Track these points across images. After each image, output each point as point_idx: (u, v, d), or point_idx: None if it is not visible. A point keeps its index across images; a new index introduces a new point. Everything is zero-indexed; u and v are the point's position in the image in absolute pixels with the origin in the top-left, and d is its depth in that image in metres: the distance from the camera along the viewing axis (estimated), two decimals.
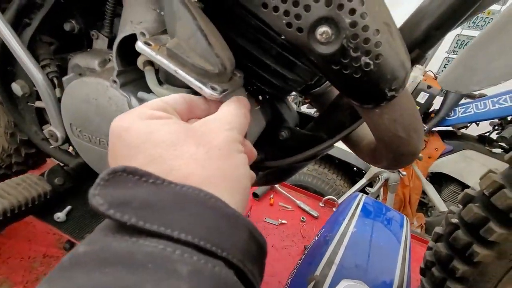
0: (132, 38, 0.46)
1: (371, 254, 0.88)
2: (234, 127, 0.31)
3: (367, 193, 1.99)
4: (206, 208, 0.23)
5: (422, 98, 2.25)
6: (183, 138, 0.27)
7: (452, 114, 2.39)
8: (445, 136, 2.49)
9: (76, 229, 0.61)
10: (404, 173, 2.17)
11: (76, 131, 0.58)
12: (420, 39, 0.44)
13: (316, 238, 1.02)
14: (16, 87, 0.64)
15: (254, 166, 0.63)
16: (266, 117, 0.60)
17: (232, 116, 0.33)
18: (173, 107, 0.31)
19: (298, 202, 1.51)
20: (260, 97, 0.56)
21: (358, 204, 1.08)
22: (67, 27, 0.62)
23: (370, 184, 2.04)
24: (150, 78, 0.45)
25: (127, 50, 0.50)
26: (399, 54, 0.36)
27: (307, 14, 0.34)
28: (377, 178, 1.82)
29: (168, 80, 0.44)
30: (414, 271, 0.92)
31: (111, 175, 0.22)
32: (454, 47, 2.93)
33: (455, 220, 0.64)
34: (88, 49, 0.68)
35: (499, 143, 2.24)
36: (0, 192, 0.54)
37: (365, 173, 2.17)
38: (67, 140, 0.64)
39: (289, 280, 0.92)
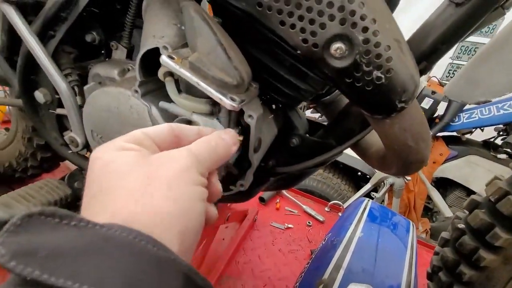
0: (153, 51, 0.49)
1: (378, 259, 0.89)
2: (197, 158, 0.28)
3: (372, 198, 2.00)
4: (132, 253, 0.19)
5: (426, 103, 2.27)
6: (135, 169, 0.25)
7: (457, 120, 2.40)
8: (450, 141, 2.49)
9: None
10: (409, 178, 2.18)
11: (97, 138, 0.61)
12: (427, 52, 0.47)
13: (323, 243, 1.04)
14: (39, 95, 0.67)
15: (265, 172, 0.66)
16: (278, 125, 0.62)
17: (199, 148, 0.29)
18: (153, 139, 0.29)
19: (304, 206, 1.52)
20: (274, 106, 0.59)
21: (365, 209, 1.10)
22: (88, 38, 0.65)
23: (375, 189, 2.05)
24: (171, 89, 0.48)
25: (148, 62, 0.52)
26: (409, 68, 0.38)
27: (322, 31, 0.37)
28: (382, 183, 1.83)
29: (188, 90, 0.47)
30: (420, 276, 0.94)
31: (25, 219, 0.19)
32: (458, 53, 2.94)
33: (461, 226, 0.65)
34: (107, 59, 0.71)
35: (504, 149, 2.25)
36: (24, 195, 0.57)
37: (370, 178, 2.18)
38: (86, 145, 0.67)
39: (297, 284, 0.93)
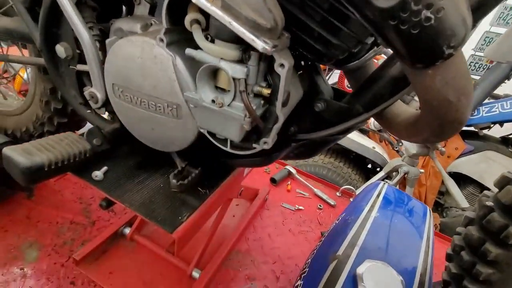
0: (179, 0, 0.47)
1: (394, 239, 0.87)
2: None
3: None
4: None
5: None
6: None
7: (475, 113, 2.32)
8: (466, 135, 2.42)
9: (113, 188, 0.63)
10: (422, 170, 2.13)
11: (118, 92, 0.60)
12: (474, 5, 0.43)
13: (336, 222, 1.02)
14: (60, 49, 0.66)
15: (287, 138, 0.64)
16: (303, 86, 0.60)
17: None
18: None
19: (315, 190, 1.50)
20: (302, 63, 0.56)
21: (380, 192, 1.07)
22: None
23: (387, 177, 2.01)
24: (198, 35, 0.46)
25: (173, 11, 0.50)
26: (461, 9, 0.35)
27: None
28: (396, 171, 1.79)
29: (217, 34, 0.45)
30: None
31: None
32: (482, 45, 2.83)
33: (489, 203, 0.62)
34: (129, 16, 0.69)
35: None
36: (45, 145, 0.57)
37: (378, 169, 2.14)
38: (106, 102, 0.66)
39: (309, 260, 0.92)
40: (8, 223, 1.01)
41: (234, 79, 0.45)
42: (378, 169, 2.26)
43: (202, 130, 0.55)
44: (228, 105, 0.47)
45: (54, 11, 0.62)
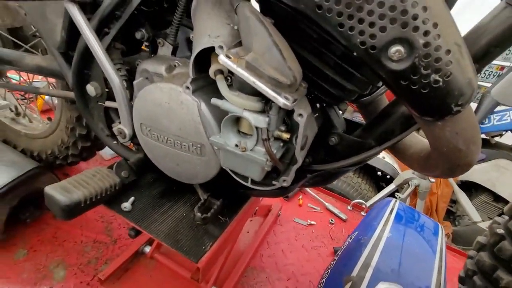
0: (204, 49, 0.52)
1: (407, 259, 0.89)
2: None
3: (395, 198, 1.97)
4: None
5: None
6: None
7: (487, 122, 2.30)
8: None
9: (140, 218, 0.67)
10: (433, 180, 2.13)
11: (146, 130, 0.64)
12: (479, 55, 0.46)
13: (349, 241, 1.05)
14: (91, 88, 0.71)
15: (303, 169, 0.67)
16: (318, 123, 0.63)
17: None
18: None
19: (326, 204, 1.53)
20: (317, 105, 0.60)
21: (392, 209, 1.09)
22: (138, 35, 0.69)
23: (397, 190, 2.01)
24: (223, 86, 0.50)
25: (198, 62, 0.55)
26: (468, 72, 0.38)
27: (382, 34, 0.37)
28: (407, 184, 1.80)
29: (240, 88, 0.49)
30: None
31: None
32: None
33: (500, 231, 0.64)
34: (153, 55, 0.74)
35: None
36: (80, 181, 0.61)
37: (390, 178, 2.14)
38: (133, 137, 0.70)
39: (323, 280, 0.95)
40: (36, 243, 1.07)
41: (256, 127, 0.49)
42: (388, 176, 2.26)
43: (224, 167, 0.59)
44: (251, 150, 0.51)
45: (86, 55, 0.67)
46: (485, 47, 0.46)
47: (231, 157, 0.54)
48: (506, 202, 2.34)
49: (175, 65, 0.67)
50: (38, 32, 0.69)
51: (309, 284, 1.15)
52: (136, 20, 0.68)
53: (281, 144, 0.53)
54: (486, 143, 2.42)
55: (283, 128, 0.52)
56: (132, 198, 0.71)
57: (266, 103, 0.48)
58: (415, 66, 0.38)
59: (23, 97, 1.48)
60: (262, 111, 0.48)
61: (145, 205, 0.71)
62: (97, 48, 0.61)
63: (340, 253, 1.02)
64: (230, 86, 0.52)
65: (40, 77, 1.26)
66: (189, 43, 0.82)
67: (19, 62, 0.83)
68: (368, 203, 1.67)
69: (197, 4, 0.61)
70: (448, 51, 0.37)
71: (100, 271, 0.99)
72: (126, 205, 0.68)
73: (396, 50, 0.38)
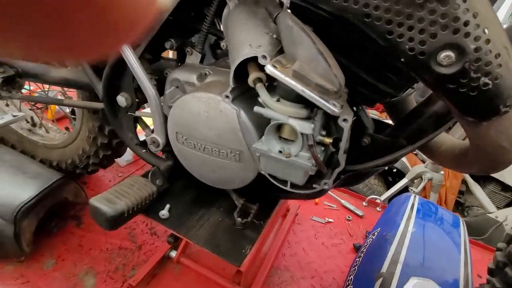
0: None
1: (433, 253, 0.91)
2: None
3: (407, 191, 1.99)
4: None
5: None
6: None
7: None
8: None
9: (178, 225, 0.68)
10: (442, 172, 2.15)
11: (182, 139, 0.65)
12: None
13: (373, 238, 1.06)
14: (121, 99, 0.72)
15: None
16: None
17: None
18: None
19: (342, 201, 1.54)
20: (354, 108, 0.61)
21: (413, 205, 1.11)
22: (167, 45, 0.70)
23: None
24: (266, 94, 0.51)
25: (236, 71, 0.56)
26: None
27: (432, 40, 0.39)
28: (420, 178, 1.81)
29: (284, 95, 0.50)
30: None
31: None
32: None
33: None
34: (180, 64, 0.75)
35: None
36: (121, 192, 0.63)
37: (395, 171, 2.16)
38: (166, 146, 0.71)
39: (351, 277, 0.96)
40: (64, 252, 1.08)
41: (302, 134, 0.50)
42: (394, 170, 2.28)
43: (263, 172, 0.61)
44: (295, 156, 0.53)
45: (118, 67, 0.68)
46: None
47: (273, 162, 0.55)
48: None
49: (205, 74, 0.68)
50: None
51: (332, 281, 1.16)
52: (164, 30, 0.69)
53: (322, 148, 0.54)
54: None
55: (323, 132, 0.53)
56: (168, 206, 0.72)
57: (312, 110, 0.49)
58: (465, 70, 0.39)
59: (35, 107, 1.48)
60: (308, 118, 0.49)
61: (181, 212, 0.72)
62: (133, 61, 0.62)
63: (365, 250, 1.04)
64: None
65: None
66: (213, 50, 0.83)
67: (44, 75, 0.84)
68: (382, 198, 1.69)
69: (229, 14, 0.62)
70: (498, 55, 0.38)
71: (129, 277, 1.01)
72: (164, 213, 0.69)
73: (446, 55, 0.39)
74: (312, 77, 0.45)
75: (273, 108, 0.50)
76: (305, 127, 0.49)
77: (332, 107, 0.44)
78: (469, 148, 0.52)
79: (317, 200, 1.55)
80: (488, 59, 0.38)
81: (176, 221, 0.70)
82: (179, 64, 0.75)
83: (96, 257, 1.09)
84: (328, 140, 0.52)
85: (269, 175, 0.61)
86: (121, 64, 0.68)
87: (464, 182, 2.42)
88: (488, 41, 0.37)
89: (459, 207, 2.74)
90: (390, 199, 1.81)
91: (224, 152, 0.61)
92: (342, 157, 0.53)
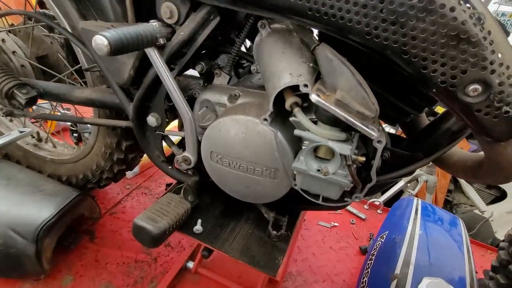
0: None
1: (440, 253, 0.98)
2: None
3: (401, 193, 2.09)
4: None
5: None
6: None
7: None
8: (469, 135, 2.58)
9: (211, 238, 0.72)
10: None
11: (216, 158, 0.69)
12: None
13: (382, 240, 1.13)
14: (152, 119, 0.75)
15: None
16: None
17: None
18: None
19: None
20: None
21: (417, 208, 1.19)
22: (198, 68, 0.73)
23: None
24: (304, 118, 0.56)
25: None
26: None
27: (463, 76, 0.45)
28: (416, 180, 1.92)
29: (325, 121, 0.55)
30: None
31: None
32: None
33: None
34: (206, 84, 0.78)
35: None
36: (161, 210, 0.65)
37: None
38: (197, 164, 0.75)
39: (365, 279, 1.02)
40: (81, 268, 1.08)
41: (340, 154, 0.55)
42: None
43: (296, 188, 0.65)
44: (333, 174, 0.57)
45: (151, 90, 0.71)
46: None
47: (310, 180, 0.60)
48: (498, 188, 2.52)
49: (235, 95, 0.72)
50: (101, 69, 0.72)
51: (343, 284, 1.22)
52: (196, 54, 0.72)
53: (354, 166, 0.60)
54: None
55: (356, 151, 0.58)
56: (199, 220, 0.75)
57: (350, 133, 0.54)
58: (490, 100, 0.45)
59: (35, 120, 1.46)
60: (346, 140, 0.54)
61: (212, 226, 0.76)
62: (171, 85, 0.65)
63: (375, 253, 1.10)
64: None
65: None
66: (235, 69, 0.87)
67: (67, 95, 0.85)
68: (381, 200, 1.77)
69: (261, 41, 0.66)
70: None
71: None
72: (198, 228, 0.72)
73: (474, 88, 0.45)
74: (353, 105, 0.50)
75: (314, 132, 0.55)
76: (344, 149, 0.54)
77: (372, 132, 0.50)
78: (484, 161, 0.59)
79: None
80: (510, 91, 0.44)
81: (210, 235, 0.73)
82: (206, 84, 0.78)
83: (113, 271, 1.09)
84: (362, 159, 0.57)
85: (302, 190, 0.65)
86: (153, 87, 0.70)
87: (452, 181, 2.57)
88: (510, 76, 0.44)
89: (447, 205, 2.89)
90: (388, 201, 1.90)
91: (259, 170, 0.65)
92: (374, 174, 0.58)
